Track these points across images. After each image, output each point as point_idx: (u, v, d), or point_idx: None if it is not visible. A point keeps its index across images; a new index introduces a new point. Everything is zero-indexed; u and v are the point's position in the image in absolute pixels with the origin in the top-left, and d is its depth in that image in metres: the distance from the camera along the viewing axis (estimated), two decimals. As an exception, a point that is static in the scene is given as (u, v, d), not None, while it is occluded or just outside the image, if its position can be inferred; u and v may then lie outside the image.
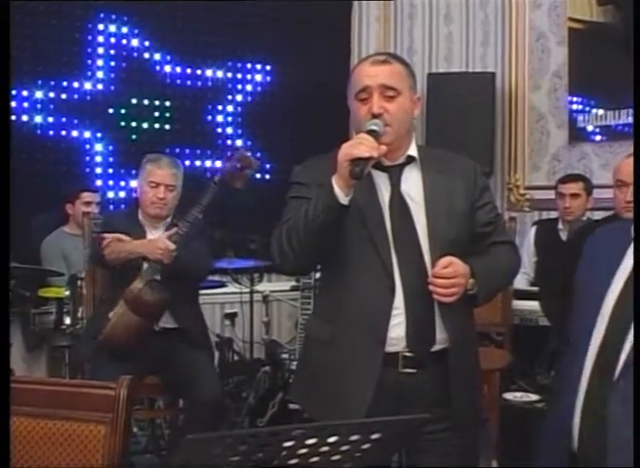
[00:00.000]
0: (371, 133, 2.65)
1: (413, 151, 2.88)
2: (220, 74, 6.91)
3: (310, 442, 1.75)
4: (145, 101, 6.62)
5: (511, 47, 6.90)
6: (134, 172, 6.16)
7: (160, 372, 4.47)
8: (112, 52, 6.45)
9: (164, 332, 4.49)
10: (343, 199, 2.60)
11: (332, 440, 1.77)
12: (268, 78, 7.11)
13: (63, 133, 6.27)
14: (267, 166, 7.06)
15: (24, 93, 6.07)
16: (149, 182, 4.54)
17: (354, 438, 1.80)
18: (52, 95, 6.20)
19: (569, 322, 2.54)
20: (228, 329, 6.66)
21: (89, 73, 6.36)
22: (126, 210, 4.93)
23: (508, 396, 4.90)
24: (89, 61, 6.37)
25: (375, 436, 1.83)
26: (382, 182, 2.83)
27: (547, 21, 6.74)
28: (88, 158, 6.40)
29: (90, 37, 6.37)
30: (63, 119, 6.26)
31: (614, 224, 3.12)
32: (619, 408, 2.21)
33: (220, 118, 6.93)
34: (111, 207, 6.37)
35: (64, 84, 6.25)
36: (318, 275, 4.61)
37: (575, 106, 6.63)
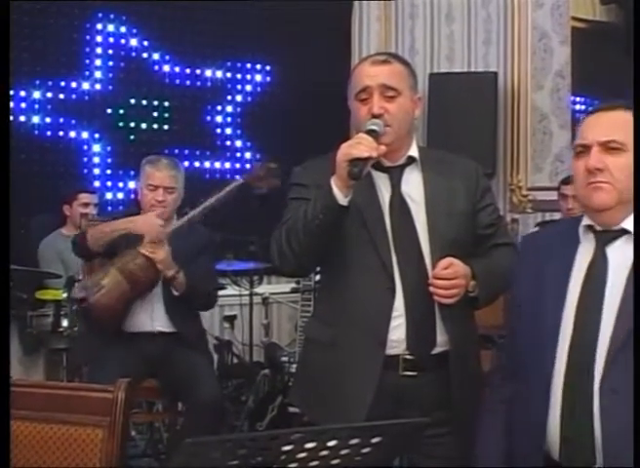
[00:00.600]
0: (370, 133, 2.66)
1: (413, 152, 2.88)
2: (219, 74, 6.87)
3: (310, 446, 1.76)
4: (144, 102, 6.56)
5: (514, 46, 6.85)
6: (132, 173, 6.18)
7: (158, 376, 4.46)
8: (111, 51, 6.40)
9: (161, 336, 4.47)
10: (342, 199, 2.61)
11: (331, 444, 1.77)
12: (268, 78, 7.08)
13: (61, 133, 6.22)
14: (267, 167, 7.01)
15: (22, 93, 6.01)
16: (148, 185, 4.48)
17: (354, 442, 1.80)
18: (49, 95, 6.14)
19: (517, 327, 2.54)
20: (228, 331, 6.61)
21: (87, 73, 6.30)
22: (126, 212, 4.92)
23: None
24: (87, 61, 6.31)
25: (375, 440, 1.83)
26: (383, 183, 2.84)
27: (550, 21, 6.71)
28: (86, 159, 6.34)
29: (88, 37, 6.31)
30: (61, 119, 6.20)
31: (558, 225, 3.17)
32: (608, 399, 2.22)
33: (219, 118, 6.89)
34: (109, 208, 6.33)
35: (62, 84, 6.19)
36: (318, 277, 4.59)
37: (578, 106, 6.63)
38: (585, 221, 2.40)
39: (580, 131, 2.40)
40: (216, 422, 4.36)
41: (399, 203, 2.81)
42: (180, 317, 4.49)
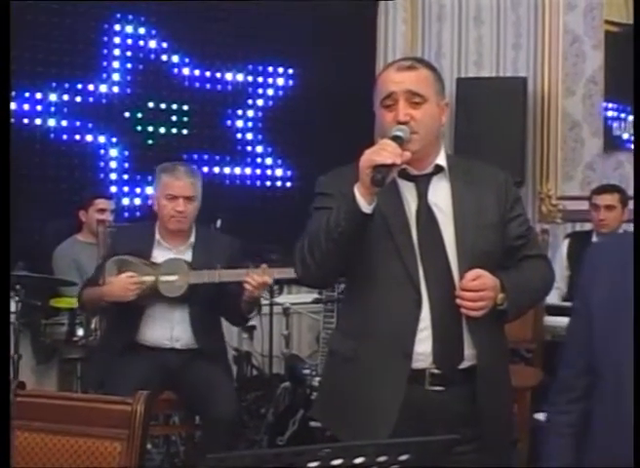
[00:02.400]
0: (395, 139, 2.62)
1: (441, 160, 2.84)
2: (240, 77, 6.82)
3: (336, 463, 1.72)
4: (163, 105, 6.50)
5: (544, 50, 6.83)
6: (150, 178, 6.09)
7: (176, 388, 4.37)
8: (129, 53, 6.34)
9: (181, 350, 4.38)
10: (366, 207, 2.56)
11: (358, 461, 1.74)
12: (290, 82, 7.04)
13: (77, 137, 6.14)
14: (289, 173, 7.00)
15: (38, 95, 5.94)
16: (166, 195, 4.33)
17: (382, 459, 1.76)
18: (66, 97, 6.06)
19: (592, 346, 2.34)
20: (247, 342, 6.52)
21: (104, 75, 6.24)
22: (141, 224, 4.81)
23: (540, 416, 4.72)
24: (104, 63, 6.25)
25: (403, 457, 1.78)
26: (409, 192, 2.80)
27: (583, 24, 6.68)
28: (102, 163, 6.28)
29: (106, 38, 6.26)
30: (78, 123, 6.13)
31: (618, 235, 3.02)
32: None
33: (239, 123, 6.84)
34: (126, 214, 6.29)
35: (79, 86, 6.12)
36: (342, 287, 4.54)
37: (610, 113, 6.56)
38: None
39: None
40: (234, 436, 4.29)
41: (426, 213, 2.76)
42: (205, 333, 4.40)
